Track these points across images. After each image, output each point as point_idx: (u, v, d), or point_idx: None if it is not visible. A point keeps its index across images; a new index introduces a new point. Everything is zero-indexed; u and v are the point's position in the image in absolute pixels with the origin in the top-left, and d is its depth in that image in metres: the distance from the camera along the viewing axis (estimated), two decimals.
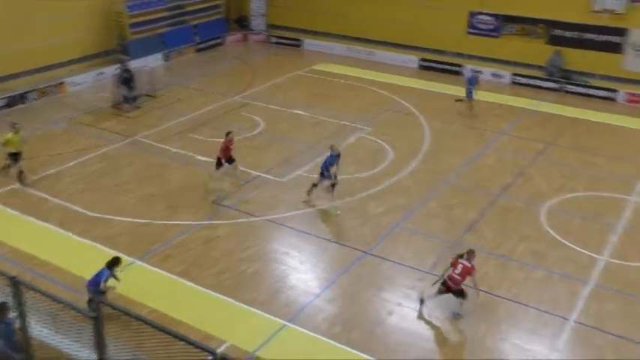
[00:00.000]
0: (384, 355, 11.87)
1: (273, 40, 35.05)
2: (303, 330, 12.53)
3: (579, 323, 12.96)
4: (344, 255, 15.18)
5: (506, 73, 28.77)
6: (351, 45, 32.78)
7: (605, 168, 20.30)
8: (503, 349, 12.31)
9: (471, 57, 30.25)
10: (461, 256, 12.79)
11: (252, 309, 13.10)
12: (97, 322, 7.77)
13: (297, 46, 34.24)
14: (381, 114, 24.50)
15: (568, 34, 28.37)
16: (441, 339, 12.56)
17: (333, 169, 16.71)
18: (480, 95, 24.38)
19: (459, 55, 30.67)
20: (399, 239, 16.00)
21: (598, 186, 18.87)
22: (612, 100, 27.00)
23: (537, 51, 28.83)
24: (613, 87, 27.15)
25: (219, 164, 17.61)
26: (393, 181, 18.85)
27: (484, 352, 12.24)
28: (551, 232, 16.28)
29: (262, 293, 13.65)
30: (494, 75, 29.17)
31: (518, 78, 28.81)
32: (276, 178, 18.91)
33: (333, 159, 16.80)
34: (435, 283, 13.06)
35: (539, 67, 28.78)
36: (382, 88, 27.51)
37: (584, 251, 15.42)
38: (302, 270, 14.67)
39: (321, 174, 16.97)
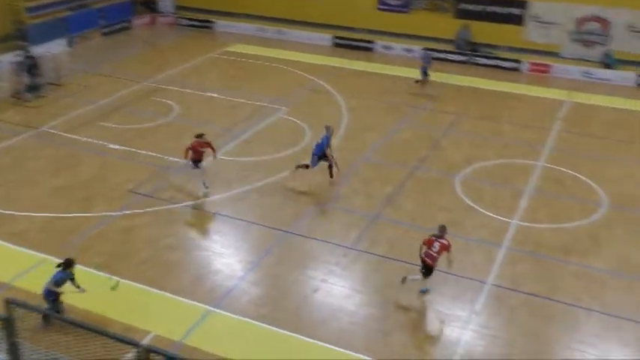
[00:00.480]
0: (311, 331, 11.98)
1: (184, 22, 34.18)
2: (229, 314, 12.45)
3: (496, 285, 13.54)
4: (267, 236, 15.16)
5: (417, 48, 29.37)
6: (264, 25, 32.48)
7: (513, 135, 21.18)
8: (427, 316, 12.71)
9: (382, 33, 30.65)
10: (435, 235, 12.90)
11: (176, 297, 12.87)
12: (8, 324, 7.40)
13: (209, 27, 33.55)
14: (297, 94, 24.47)
15: (473, 7, 29.26)
16: (366, 311, 12.79)
17: (329, 151, 16.92)
18: (392, 70, 24.75)
19: (371, 31, 31.01)
20: (321, 217, 16.13)
21: (507, 153, 19.68)
22: (517, 70, 28.13)
23: (446, 25, 29.58)
24: (517, 58, 28.27)
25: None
26: None
27: (408, 321, 12.61)
28: (466, 200, 16.86)
29: (186, 280, 13.44)
30: (405, 50, 29.70)
31: (429, 52, 29.46)
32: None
33: (329, 140, 16.97)
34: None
35: (449, 41, 29.55)
36: (297, 67, 27.44)
37: (497, 217, 16.07)
38: (225, 254, 14.53)
39: (317, 156, 17.00)
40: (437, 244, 12.83)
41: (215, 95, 23.96)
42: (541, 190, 17.57)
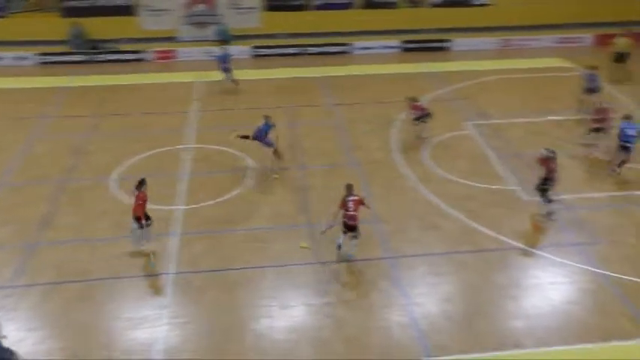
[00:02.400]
0: None
1: None
2: None
3: (178, 273, 13.66)
4: None
5: (29, 54, 27.09)
6: None
7: (156, 125, 21.32)
8: (115, 328, 12.18)
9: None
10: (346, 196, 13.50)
11: None
12: None
13: None
14: None
15: (79, 3, 28.21)
16: (47, 346, 11.68)
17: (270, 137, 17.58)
18: (23, 82, 22.52)
19: None
20: None
21: (155, 143, 19.69)
22: (143, 60, 28.21)
23: (55, 26, 27.90)
24: (140, 48, 28.31)
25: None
26: None
27: (101, 346, 11.94)
28: (126, 199, 16.48)
29: None
30: (16, 58, 27.19)
31: (44, 57, 27.52)
32: None
33: (270, 127, 17.61)
34: (325, 231, 13.90)
35: (63, 42, 27.99)
36: None
37: (161, 207, 16.08)
38: None
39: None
40: (350, 203, 13.44)
41: None
42: (195, 171, 18.14)
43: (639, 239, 14.73)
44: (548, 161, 15.13)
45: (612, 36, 29.20)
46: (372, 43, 29.20)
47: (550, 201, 15.41)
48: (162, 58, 28.38)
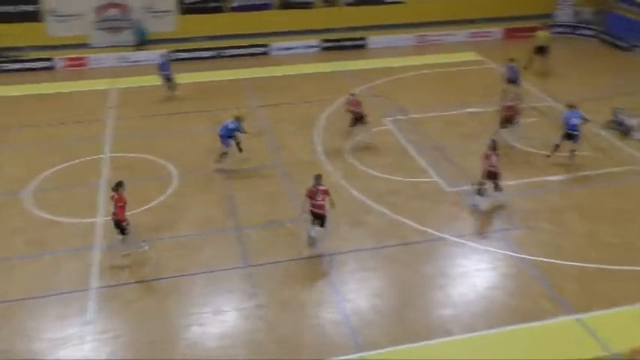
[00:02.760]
0: None
1: None
2: None
3: (101, 287, 13.21)
4: None
5: None
6: None
7: (73, 135, 20.57)
8: (37, 351, 11.66)
9: None
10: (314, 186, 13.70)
11: None
12: None
13: None
14: None
15: None
16: None
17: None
18: None
19: None
20: None
21: (72, 154, 18.99)
22: (52, 68, 27.19)
23: None
24: (48, 56, 27.20)
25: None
26: None
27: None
28: (43, 214, 15.83)
29: None
30: None
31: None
32: None
33: (238, 128, 17.67)
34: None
35: None
36: None
37: (81, 220, 15.55)
38: None
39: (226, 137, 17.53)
40: (319, 193, 13.73)
41: None
42: (115, 181, 17.57)
43: (553, 223, 15.43)
44: (490, 155, 15.61)
45: (520, 29, 30.68)
46: (292, 43, 29.29)
47: (482, 194, 16.02)
48: (74, 66, 27.38)
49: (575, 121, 17.77)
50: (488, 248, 14.51)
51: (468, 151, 18.88)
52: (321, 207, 13.84)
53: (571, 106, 18.25)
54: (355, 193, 16.77)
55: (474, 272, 13.76)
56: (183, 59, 27.72)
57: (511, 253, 14.30)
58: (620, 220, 15.50)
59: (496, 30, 31.05)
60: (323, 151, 19.23)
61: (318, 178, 13.82)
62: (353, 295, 13.06)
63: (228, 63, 27.71)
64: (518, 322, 12.24)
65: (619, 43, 28.58)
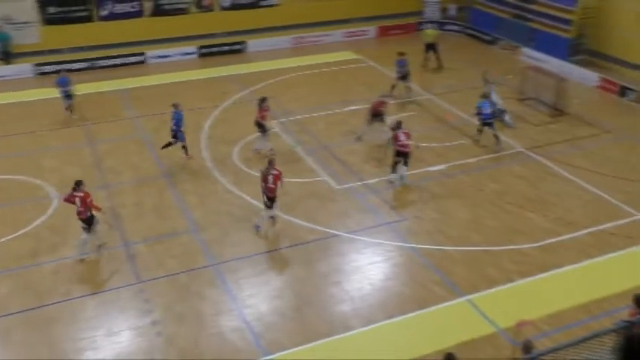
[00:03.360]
0: None
1: None
2: None
3: None
4: None
5: None
6: None
7: None
8: None
9: None
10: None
11: None
12: None
13: None
14: None
15: None
16: None
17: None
18: None
19: None
20: None
21: None
22: None
23: None
24: None
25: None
26: None
27: None
28: None
29: None
30: None
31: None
32: None
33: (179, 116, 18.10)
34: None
35: None
36: None
37: None
38: None
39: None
40: (270, 177, 14.51)
41: None
42: None
43: (438, 212, 16.11)
44: (398, 135, 16.76)
45: (393, 27, 31.82)
46: (168, 50, 28.53)
47: (395, 171, 17.07)
48: None
49: (487, 110, 19.01)
50: (380, 241, 14.89)
51: (352, 148, 19.32)
52: (271, 190, 14.72)
53: (484, 96, 19.56)
54: (245, 198, 16.64)
55: (368, 266, 14.08)
56: (51, 72, 26.16)
57: (402, 244, 14.76)
58: (498, 203, 16.45)
59: (370, 29, 31.95)
60: (210, 157, 18.92)
61: (271, 163, 14.84)
62: (252, 300, 12.95)
63: (102, 74, 26.53)
64: (414, 309, 12.66)
65: (483, 37, 30.36)
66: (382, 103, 19.68)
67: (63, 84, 21.49)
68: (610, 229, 15.26)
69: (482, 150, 19.29)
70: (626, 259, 14.26)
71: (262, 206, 15.18)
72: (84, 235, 14.02)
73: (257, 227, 15.17)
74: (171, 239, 14.92)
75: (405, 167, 17.08)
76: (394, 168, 17.12)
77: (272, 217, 15.30)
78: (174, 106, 18.31)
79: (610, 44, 25.90)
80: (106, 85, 25.21)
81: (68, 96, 21.56)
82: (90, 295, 13.05)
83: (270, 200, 14.88)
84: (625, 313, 10.35)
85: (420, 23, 32.04)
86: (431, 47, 26.51)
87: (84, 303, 12.81)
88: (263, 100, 18.67)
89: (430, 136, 19.89)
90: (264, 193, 14.91)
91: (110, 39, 28.15)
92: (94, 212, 14.04)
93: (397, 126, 17.00)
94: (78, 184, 13.86)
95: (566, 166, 18.24)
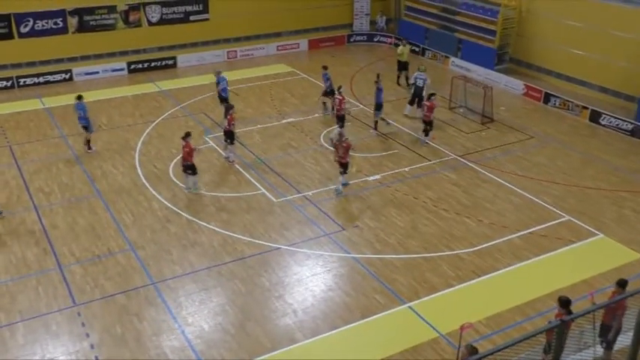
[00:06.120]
0: None
1: None
2: None
3: None
4: None
5: None
6: None
7: None
8: None
9: None
10: None
11: None
12: None
13: None
14: None
15: None
16: None
17: None
18: None
19: None
20: None
21: None
22: None
23: None
24: None
25: None
26: None
27: None
28: None
29: None
30: None
31: None
32: None
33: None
34: None
35: None
36: None
37: None
38: None
39: None
40: (183, 148, 17.12)
41: None
42: None
43: (376, 221, 16.31)
44: (337, 146, 17.48)
45: (324, 40, 32.16)
46: (96, 67, 27.76)
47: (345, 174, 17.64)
48: None
49: (421, 82, 22.46)
50: (321, 252, 14.93)
51: (289, 160, 19.33)
52: (184, 159, 17.22)
53: (420, 70, 22.56)
54: (183, 214, 16.36)
55: (310, 277, 14.07)
56: None
57: (343, 254, 14.84)
58: (434, 210, 16.80)
59: (302, 41, 32.14)
60: (144, 174, 18.51)
61: (187, 135, 17.25)
62: (193, 317, 12.70)
63: (27, 92, 25.57)
64: (358, 319, 12.74)
65: (413, 48, 31.05)
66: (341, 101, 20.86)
67: None
68: (540, 232, 15.84)
69: (416, 158, 19.69)
70: (556, 259, 14.83)
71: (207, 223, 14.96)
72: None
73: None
74: (107, 259, 14.49)
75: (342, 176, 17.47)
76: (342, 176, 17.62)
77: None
78: (78, 98, 19.85)
79: (532, 53, 27.05)
80: (31, 103, 24.31)
81: None
82: (19, 322, 12.47)
83: (187, 169, 17.23)
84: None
85: (351, 35, 32.53)
86: (404, 67, 26.08)
87: (14, 330, 12.23)
88: (187, 134, 17.50)
89: (366, 146, 20.12)
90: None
91: (34, 56, 27.14)
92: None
93: (339, 139, 17.76)
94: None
95: (497, 172, 18.86)
